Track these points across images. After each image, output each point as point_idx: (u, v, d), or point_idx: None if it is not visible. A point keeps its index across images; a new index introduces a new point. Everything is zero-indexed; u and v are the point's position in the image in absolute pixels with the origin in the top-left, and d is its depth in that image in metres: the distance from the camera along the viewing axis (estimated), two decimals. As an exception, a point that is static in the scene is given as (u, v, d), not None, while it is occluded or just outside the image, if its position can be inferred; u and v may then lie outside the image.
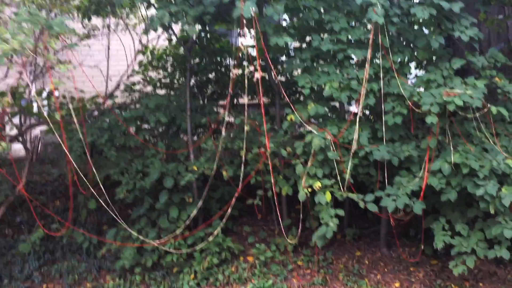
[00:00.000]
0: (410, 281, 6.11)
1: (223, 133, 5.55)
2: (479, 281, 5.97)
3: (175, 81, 8.53)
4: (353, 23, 5.77)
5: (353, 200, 5.42)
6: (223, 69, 8.23)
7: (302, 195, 5.13)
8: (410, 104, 5.28)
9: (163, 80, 8.73)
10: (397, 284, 6.05)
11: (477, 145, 5.37)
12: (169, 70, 8.57)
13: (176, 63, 8.41)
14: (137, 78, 8.61)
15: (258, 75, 5.07)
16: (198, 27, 7.23)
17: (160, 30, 6.56)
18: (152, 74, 8.83)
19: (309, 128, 5.15)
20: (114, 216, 5.49)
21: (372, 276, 6.36)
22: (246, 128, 5.21)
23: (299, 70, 5.84)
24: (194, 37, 7.73)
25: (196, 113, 7.26)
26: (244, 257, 6.91)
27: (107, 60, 7.92)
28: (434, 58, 6.04)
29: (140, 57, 8.62)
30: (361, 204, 5.18)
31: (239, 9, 4.85)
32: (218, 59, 8.11)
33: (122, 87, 8.51)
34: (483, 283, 5.92)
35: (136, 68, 8.24)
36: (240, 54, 5.25)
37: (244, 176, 5.87)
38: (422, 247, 6.00)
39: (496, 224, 4.86)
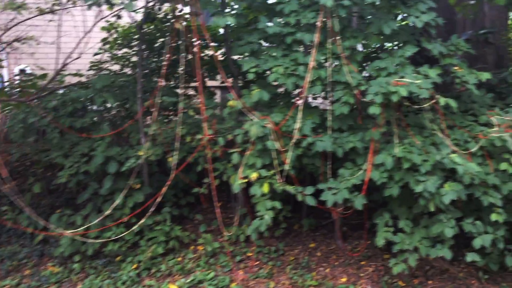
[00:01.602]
0: (358, 276, 5.98)
1: (153, 118, 5.31)
2: (429, 278, 5.83)
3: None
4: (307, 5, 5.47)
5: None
6: (194, 49, 7.97)
7: (236, 186, 4.95)
8: (357, 93, 5.06)
9: (132, 59, 8.51)
10: (344, 279, 5.93)
11: (427, 137, 5.18)
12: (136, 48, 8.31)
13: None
14: (111, 57, 8.38)
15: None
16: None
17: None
18: (120, 52, 8.61)
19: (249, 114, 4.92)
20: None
21: (321, 269, 6.23)
22: (179, 116, 4.96)
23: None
24: (161, 15, 7.49)
25: (151, 96, 7.03)
26: (195, 247, 6.78)
27: (57, 37, 7.64)
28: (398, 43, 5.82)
29: (105, 35, 8.36)
30: (300, 197, 5.00)
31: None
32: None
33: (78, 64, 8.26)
34: (432, 280, 5.79)
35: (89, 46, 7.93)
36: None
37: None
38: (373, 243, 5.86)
39: (438, 222, 4.69)
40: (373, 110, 4.74)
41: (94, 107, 7.49)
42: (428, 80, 4.86)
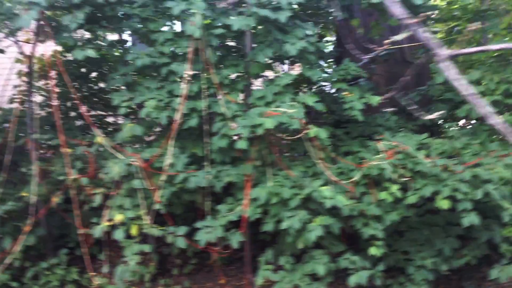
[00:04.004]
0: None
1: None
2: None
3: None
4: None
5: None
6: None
7: (98, 230, 4.73)
8: (233, 125, 4.92)
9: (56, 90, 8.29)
10: (242, 320, 5.71)
11: (310, 167, 5.06)
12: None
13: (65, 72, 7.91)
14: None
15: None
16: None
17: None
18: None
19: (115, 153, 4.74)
20: None
21: (224, 309, 6.01)
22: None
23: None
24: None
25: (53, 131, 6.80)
26: (99, 289, 6.50)
27: None
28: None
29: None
30: (170, 239, 4.80)
31: (23, 20, 4.44)
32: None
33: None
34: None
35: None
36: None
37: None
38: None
39: (312, 259, 4.53)
40: (241, 145, 4.60)
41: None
42: (301, 110, 4.74)
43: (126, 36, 6.86)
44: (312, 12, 6.79)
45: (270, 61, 6.09)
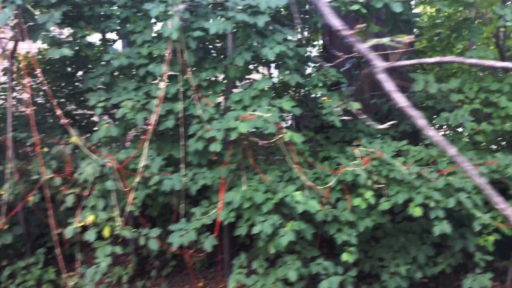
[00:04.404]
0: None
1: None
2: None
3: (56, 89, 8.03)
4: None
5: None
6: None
7: (69, 230, 4.70)
8: (209, 128, 4.91)
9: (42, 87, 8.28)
10: (215, 324, 5.68)
11: (286, 172, 5.04)
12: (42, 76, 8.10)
13: (51, 69, 7.91)
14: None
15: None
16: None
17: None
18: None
19: (90, 153, 4.72)
20: None
21: (197, 313, 5.98)
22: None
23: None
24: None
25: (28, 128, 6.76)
26: (76, 289, 6.46)
27: None
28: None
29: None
30: (142, 241, 4.78)
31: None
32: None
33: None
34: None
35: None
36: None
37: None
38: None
39: (284, 264, 4.52)
40: (214, 147, 4.59)
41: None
42: (276, 114, 4.73)
43: (114, 36, 6.88)
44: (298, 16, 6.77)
45: (255, 65, 6.11)
